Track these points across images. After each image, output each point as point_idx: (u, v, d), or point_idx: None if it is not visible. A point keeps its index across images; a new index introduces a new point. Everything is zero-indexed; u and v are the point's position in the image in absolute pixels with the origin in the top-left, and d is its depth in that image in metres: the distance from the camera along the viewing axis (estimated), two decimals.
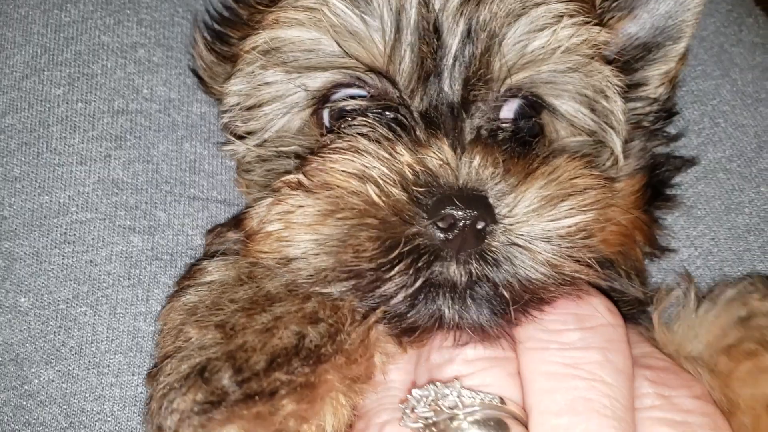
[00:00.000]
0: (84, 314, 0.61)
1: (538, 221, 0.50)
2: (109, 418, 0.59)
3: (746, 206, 0.68)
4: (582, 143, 0.59)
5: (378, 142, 0.51)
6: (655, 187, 0.63)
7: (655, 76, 0.60)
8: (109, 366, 0.60)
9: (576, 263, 0.50)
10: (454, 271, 0.49)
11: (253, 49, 0.57)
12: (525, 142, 0.56)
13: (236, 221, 0.59)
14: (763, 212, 0.68)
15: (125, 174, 0.64)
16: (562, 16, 0.54)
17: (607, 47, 0.58)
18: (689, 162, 0.65)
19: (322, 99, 0.57)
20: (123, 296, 0.61)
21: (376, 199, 0.49)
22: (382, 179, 0.50)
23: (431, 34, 0.53)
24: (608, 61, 0.58)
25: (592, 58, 0.55)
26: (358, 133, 0.53)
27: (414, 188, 0.49)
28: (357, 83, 0.55)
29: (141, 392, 0.59)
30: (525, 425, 0.46)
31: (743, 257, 0.66)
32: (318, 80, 0.56)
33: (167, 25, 0.67)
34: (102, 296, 0.61)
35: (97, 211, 0.63)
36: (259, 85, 0.57)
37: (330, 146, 0.53)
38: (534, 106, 0.58)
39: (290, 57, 0.56)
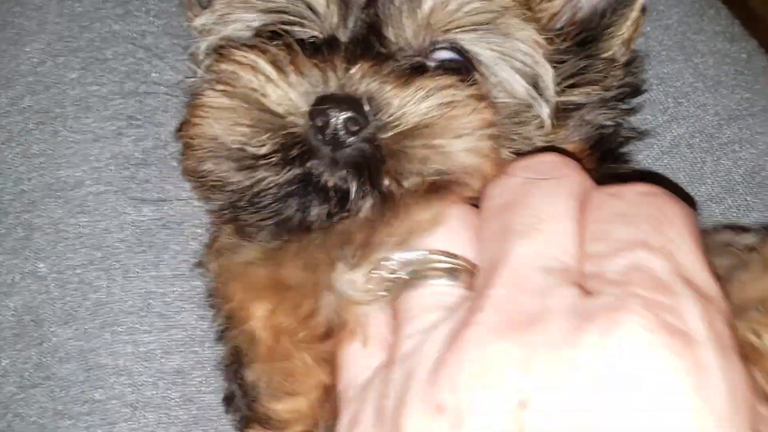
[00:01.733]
0: (99, 278, 0.66)
1: (408, 118, 0.54)
2: (123, 372, 0.64)
3: (708, 177, 0.74)
4: (510, 104, 0.61)
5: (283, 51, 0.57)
6: (604, 153, 0.65)
7: (609, 42, 0.64)
8: (122, 325, 0.65)
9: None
10: (325, 165, 0.53)
11: None
12: None
13: None
14: (724, 182, 0.74)
15: (136, 150, 0.69)
16: None
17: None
18: (642, 134, 0.70)
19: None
20: (135, 261, 0.66)
21: (263, 90, 0.55)
22: (274, 78, 0.55)
23: None
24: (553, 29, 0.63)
25: (515, 16, 0.60)
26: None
27: (298, 89, 0.54)
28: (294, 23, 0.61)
29: (152, 348, 0.64)
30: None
31: (707, 223, 0.72)
32: (259, 21, 0.62)
33: (173, 15, 0.73)
34: (115, 261, 0.66)
35: (111, 184, 0.68)
36: (219, 20, 0.63)
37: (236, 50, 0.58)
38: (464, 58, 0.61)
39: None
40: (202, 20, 0.65)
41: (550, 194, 0.45)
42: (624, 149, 0.69)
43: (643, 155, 0.73)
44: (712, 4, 0.82)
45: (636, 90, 0.68)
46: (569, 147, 0.62)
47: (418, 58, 0.59)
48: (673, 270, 0.39)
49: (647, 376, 0.36)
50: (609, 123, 0.66)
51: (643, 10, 0.64)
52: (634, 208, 0.43)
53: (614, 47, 0.64)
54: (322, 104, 0.53)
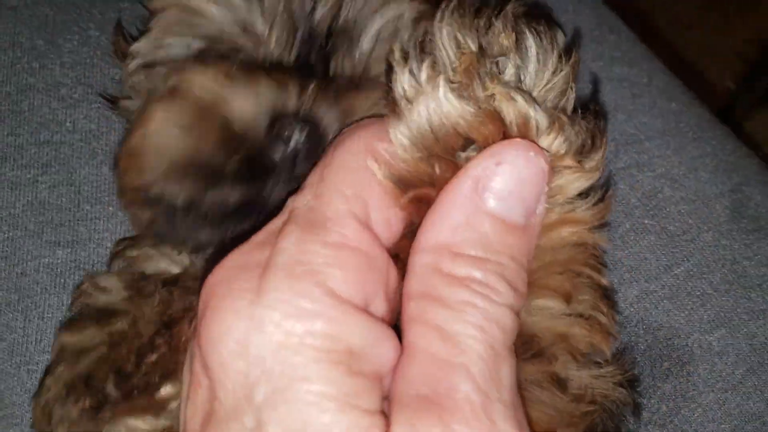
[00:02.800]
0: (15, 319, 0.70)
1: None
2: None
3: None
4: None
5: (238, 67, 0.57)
6: None
7: None
8: (38, 364, 0.69)
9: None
10: (282, 182, 0.54)
11: (155, 11, 0.64)
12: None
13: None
14: (621, 206, 0.76)
15: (51, 196, 0.73)
16: None
17: None
18: None
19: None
20: (50, 302, 0.70)
21: (219, 105, 0.54)
22: (230, 92, 0.55)
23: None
24: None
25: None
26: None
27: (256, 105, 0.54)
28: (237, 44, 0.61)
29: None
30: None
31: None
32: (198, 45, 0.62)
33: (88, 66, 0.77)
34: (31, 303, 0.70)
35: (26, 229, 0.72)
36: (156, 46, 0.64)
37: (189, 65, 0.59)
38: None
39: (184, 24, 0.62)
40: (137, 46, 0.66)
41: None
42: None
43: None
44: (613, 28, 0.84)
45: None
46: None
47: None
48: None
49: None
50: None
51: None
52: None
53: None
54: (281, 122, 0.53)
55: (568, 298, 0.46)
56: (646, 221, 0.76)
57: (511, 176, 0.36)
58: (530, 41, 0.38)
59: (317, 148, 0.53)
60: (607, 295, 0.51)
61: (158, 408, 0.54)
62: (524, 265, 0.37)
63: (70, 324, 0.62)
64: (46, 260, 0.71)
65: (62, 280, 0.71)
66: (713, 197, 0.76)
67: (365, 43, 0.61)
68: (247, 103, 0.54)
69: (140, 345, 0.54)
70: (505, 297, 0.36)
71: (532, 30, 0.38)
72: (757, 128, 1.41)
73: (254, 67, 0.57)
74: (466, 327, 0.34)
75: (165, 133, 0.55)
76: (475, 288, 0.35)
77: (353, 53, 0.61)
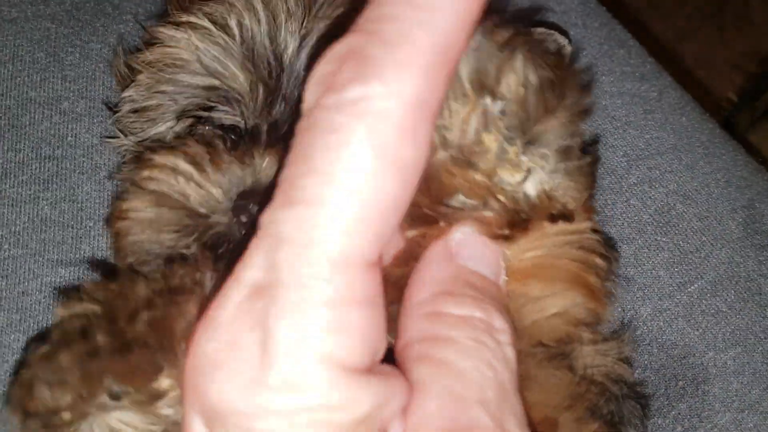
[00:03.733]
0: (17, 340, 0.68)
1: None
2: None
3: (618, 218, 0.75)
4: None
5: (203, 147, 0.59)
6: None
7: None
8: None
9: None
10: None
11: (146, 63, 0.65)
12: None
13: None
14: (634, 223, 0.76)
15: (53, 213, 0.71)
16: None
17: None
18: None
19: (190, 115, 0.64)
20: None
21: (184, 192, 0.57)
22: (195, 178, 0.58)
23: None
24: None
25: None
26: (194, 135, 0.62)
27: (219, 187, 0.57)
28: (219, 105, 0.63)
29: None
30: None
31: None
32: (185, 97, 0.64)
33: (89, 79, 0.75)
34: (33, 323, 0.68)
35: (28, 247, 0.70)
36: (146, 93, 0.65)
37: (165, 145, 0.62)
38: None
39: (171, 74, 0.64)
40: (128, 92, 0.67)
41: None
42: None
43: None
44: (623, 44, 0.83)
45: None
46: None
47: None
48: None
49: None
50: None
51: None
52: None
53: None
54: (243, 199, 0.56)
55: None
56: (658, 238, 0.75)
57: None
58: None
59: None
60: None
61: (151, 399, 0.51)
62: (507, 310, 0.41)
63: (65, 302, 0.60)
64: (48, 279, 0.69)
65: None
66: (726, 213, 0.76)
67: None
68: (212, 189, 0.57)
69: (137, 302, 0.51)
70: (504, 334, 0.38)
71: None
72: (761, 141, 1.42)
73: (225, 138, 0.60)
74: (477, 363, 0.36)
75: (139, 231, 0.59)
76: (478, 325, 0.38)
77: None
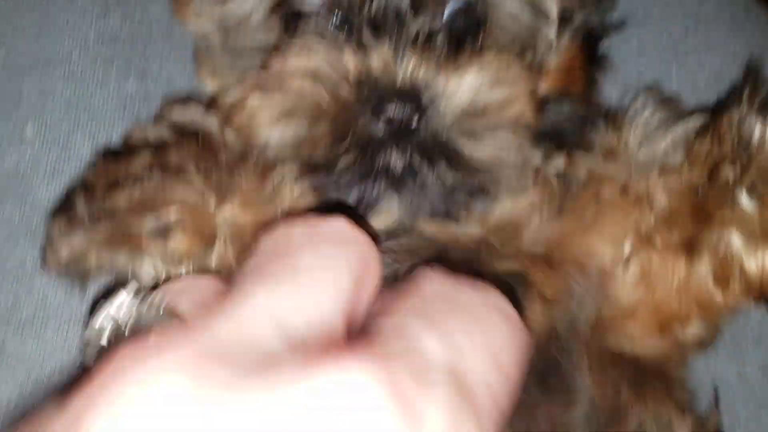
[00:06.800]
0: (83, 145, 0.69)
1: (468, 109, 0.58)
2: None
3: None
4: (519, 32, 0.65)
5: (329, 44, 0.58)
6: (588, 52, 0.70)
7: None
8: None
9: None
10: (394, 160, 0.57)
11: None
12: (464, 39, 0.62)
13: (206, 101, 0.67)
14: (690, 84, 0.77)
15: (123, 27, 0.72)
16: None
17: None
18: (620, 25, 0.73)
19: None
20: (117, 131, 0.70)
21: (327, 99, 0.57)
22: (332, 80, 0.57)
23: None
24: None
25: None
26: (311, 34, 0.60)
27: (358, 89, 0.57)
28: None
29: None
30: None
31: None
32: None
33: None
34: (100, 126, 0.70)
35: (97, 57, 0.71)
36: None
37: (285, 46, 0.60)
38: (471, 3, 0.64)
39: None
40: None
41: (325, 255, 0.35)
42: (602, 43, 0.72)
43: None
44: None
45: None
46: (567, 55, 0.67)
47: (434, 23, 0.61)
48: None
49: None
50: (594, 19, 0.69)
51: None
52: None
53: None
54: (386, 99, 0.56)
55: None
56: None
57: None
58: None
59: (423, 115, 0.57)
60: None
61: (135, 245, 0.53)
62: None
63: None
64: (115, 89, 0.71)
65: (130, 111, 0.71)
66: None
67: None
68: (351, 88, 0.57)
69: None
70: None
71: None
72: None
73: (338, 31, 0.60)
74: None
75: (268, 127, 0.59)
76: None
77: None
